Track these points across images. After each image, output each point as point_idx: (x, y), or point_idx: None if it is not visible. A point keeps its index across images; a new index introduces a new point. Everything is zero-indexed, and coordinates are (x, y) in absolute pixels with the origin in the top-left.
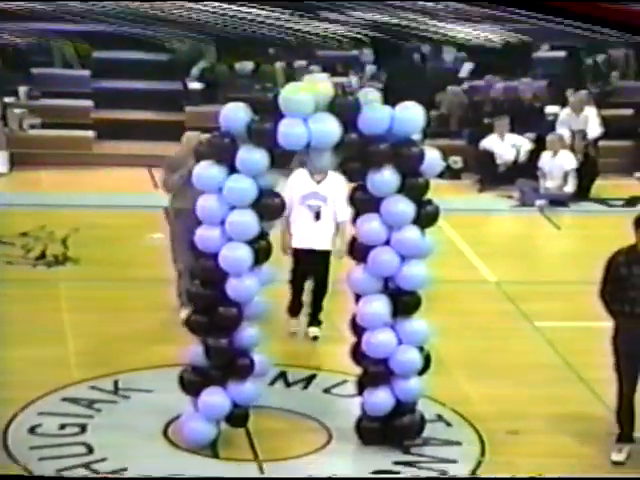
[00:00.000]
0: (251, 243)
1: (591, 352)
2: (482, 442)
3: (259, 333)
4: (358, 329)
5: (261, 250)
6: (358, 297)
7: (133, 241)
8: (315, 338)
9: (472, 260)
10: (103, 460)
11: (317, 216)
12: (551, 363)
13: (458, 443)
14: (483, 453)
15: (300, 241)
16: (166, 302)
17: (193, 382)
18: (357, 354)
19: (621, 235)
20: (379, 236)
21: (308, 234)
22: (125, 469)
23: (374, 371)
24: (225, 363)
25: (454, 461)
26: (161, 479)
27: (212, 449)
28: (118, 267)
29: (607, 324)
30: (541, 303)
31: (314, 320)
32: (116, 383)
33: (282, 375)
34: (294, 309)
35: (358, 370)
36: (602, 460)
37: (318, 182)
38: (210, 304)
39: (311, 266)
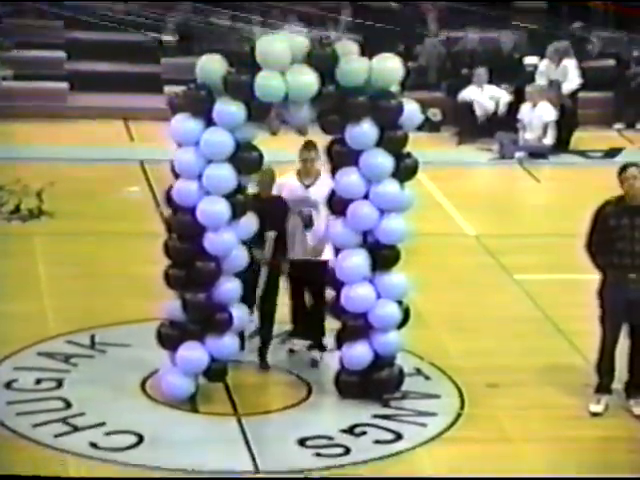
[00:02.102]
0: (228, 197)
1: (570, 304)
2: (461, 395)
3: (238, 287)
4: (337, 283)
5: (238, 204)
6: (337, 251)
7: (109, 194)
8: (314, 363)
9: (451, 213)
10: (81, 415)
11: (308, 224)
12: (530, 316)
13: (437, 396)
14: (462, 406)
15: (293, 252)
16: (143, 256)
17: (171, 337)
18: (336, 308)
19: (600, 187)
20: (358, 190)
21: (298, 244)
22: (103, 423)
23: (353, 325)
24: (203, 317)
25: (433, 414)
26: None
27: (191, 403)
28: (94, 221)
29: (586, 276)
30: (520, 256)
31: (315, 343)
32: (93, 338)
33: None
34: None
35: (337, 324)
36: (580, 411)
37: (307, 187)
38: (188, 258)
39: (306, 278)
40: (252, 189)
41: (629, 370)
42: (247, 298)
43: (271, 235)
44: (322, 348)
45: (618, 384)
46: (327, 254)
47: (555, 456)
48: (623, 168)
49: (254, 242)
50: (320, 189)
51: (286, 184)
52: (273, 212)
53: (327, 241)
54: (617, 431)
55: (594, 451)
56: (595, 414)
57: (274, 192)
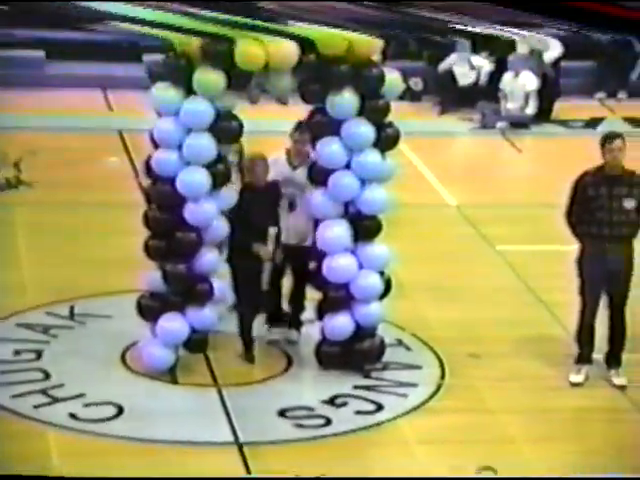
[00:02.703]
0: (209, 167)
1: (551, 275)
2: (442, 366)
3: (218, 258)
4: (319, 254)
5: (219, 174)
6: (318, 223)
7: (88, 164)
8: (291, 342)
9: (433, 184)
10: (60, 386)
11: (291, 206)
12: (511, 287)
13: (418, 367)
14: (443, 376)
15: (284, 236)
16: (123, 226)
17: (151, 308)
18: (317, 279)
19: (582, 157)
20: (339, 159)
21: (285, 227)
22: (83, 395)
23: (334, 296)
24: (184, 289)
25: (414, 385)
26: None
27: (171, 375)
28: (73, 191)
29: (567, 247)
30: (502, 227)
31: (295, 322)
32: (72, 309)
33: None
34: (271, 316)
35: (318, 295)
36: (561, 382)
37: (294, 168)
38: (168, 229)
39: (290, 264)
40: (244, 179)
41: (609, 340)
42: (253, 298)
43: (272, 231)
44: (299, 325)
45: (599, 354)
46: (310, 238)
47: (535, 426)
48: (607, 138)
49: (254, 237)
50: (306, 172)
51: (275, 163)
52: (270, 202)
53: (309, 225)
54: (597, 401)
55: (574, 421)
56: (575, 384)
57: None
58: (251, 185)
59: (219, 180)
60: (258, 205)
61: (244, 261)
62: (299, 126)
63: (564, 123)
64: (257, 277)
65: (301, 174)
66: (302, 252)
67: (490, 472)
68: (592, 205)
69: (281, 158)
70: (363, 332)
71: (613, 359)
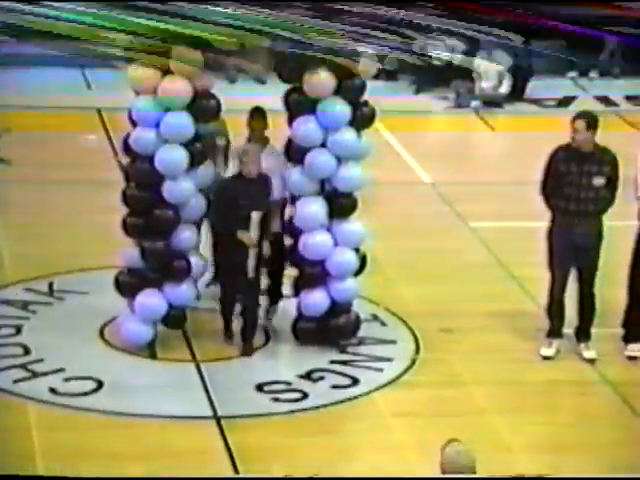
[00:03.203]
0: (187, 145)
1: (524, 251)
2: (416, 340)
3: (196, 235)
4: (295, 231)
5: (197, 152)
6: (294, 200)
7: (67, 142)
8: (266, 326)
9: (408, 162)
10: (40, 361)
11: None
12: (484, 262)
13: (393, 342)
14: (418, 351)
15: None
16: (101, 204)
17: (129, 284)
18: (294, 256)
19: (554, 135)
20: (315, 138)
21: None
22: (62, 369)
23: (310, 272)
24: (162, 265)
25: (389, 359)
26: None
27: (150, 350)
28: (52, 169)
29: (539, 224)
30: (476, 204)
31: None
32: (51, 285)
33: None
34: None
35: (294, 272)
36: (532, 355)
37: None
38: (146, 206)
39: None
40: (234, 169)
41: (578, 315)
42: (235, 284)
43: (256, 216)
44: (276, 298)
45: (569, 329)
46: (275, 227)
47: (507, 399)
48: (573, 118)
49: (238, 224)
50: (266, 160)
51: (269, 154)
52: (260, 192)
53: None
54: (567, 374)
55: (544, 394)
56: (546, 358)
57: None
58: (241, 174)
59: (197, 158)
60: (246, 194)
61: (228, 248)
62: (254, 114)
63: (537, 102)
64: (241, 263)
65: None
66: (280, 237)
67: (456, 443)
68: (562, 180)
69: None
70: (339, 308)
71: (583, 333)
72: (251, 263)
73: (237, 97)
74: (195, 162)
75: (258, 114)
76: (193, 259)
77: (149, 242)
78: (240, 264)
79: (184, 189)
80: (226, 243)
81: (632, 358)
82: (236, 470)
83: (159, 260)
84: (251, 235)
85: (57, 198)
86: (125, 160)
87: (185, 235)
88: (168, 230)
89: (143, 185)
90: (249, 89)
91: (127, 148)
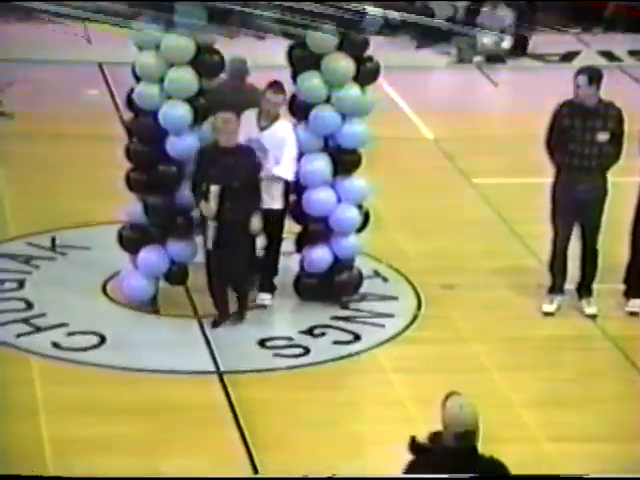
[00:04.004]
0: (190, 101)
1: (526, 207)
2: (418, 297)
3: None
4: (298, 187)
5: (201, 108)
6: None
7: (69, 97)
8: (264, 307)
9: (411, 117)
10: (43, 315)
11: None
12: (486, 218)
13: (394, 298)
14: (419, 307)
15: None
16: (104, 159)
17: (132, 239)
18: (297, 212)
19: (557, 90)
20: (320, 94)
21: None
22: (65, 324)
23: (313, 229)
24: (164, 221)
25: (390, 315)
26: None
27: (152, 306)
28: (55, 123)
29: (542, 180)
30: (478, 159)
31: (266, 285)
32: (53, 240)
33: None
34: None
35: (298, 228)
36: (533, 311)
37: (262, 129)
38: (150, 162)
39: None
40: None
41: (580, 271)
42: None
43: (215, 189)
44: (272, 289)
45: (571, 285)
46: (278, 202)
47: (508, 355)
48: (577, 73)
49: (202, 196)
50: (273, 135)
51: (246, 119)
52: (238, 164)
53: (277, 188)
54: (567, 330)
55: (545, 349)
56: (547, 314)
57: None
58: (217, 144)
59: (201, 114)
60: (221, 165)
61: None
62: (273, 87)
63: (540, 57)
64: (231, 238)
65: (267, 137)
66: (272, 215)
67: (457, 397)
68: (566, 136)
69: (249, 118)
70: (341, 264)
71: (584, 289)
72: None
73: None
74: (199, 118)
75: (278, 88)
76: (195, 215)
77: (152, 198)
78: (231, 238)
79: (188, 145)
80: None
81: (633, 314)
82: (239, 424)
83: (162, 216)
84: (212, 207)
85: (59, 153)
86: (128, 115)
87: (188, 191)
88: (171, 186)
89: (146, 140)
90: (249, 45)
91: (130, 103)
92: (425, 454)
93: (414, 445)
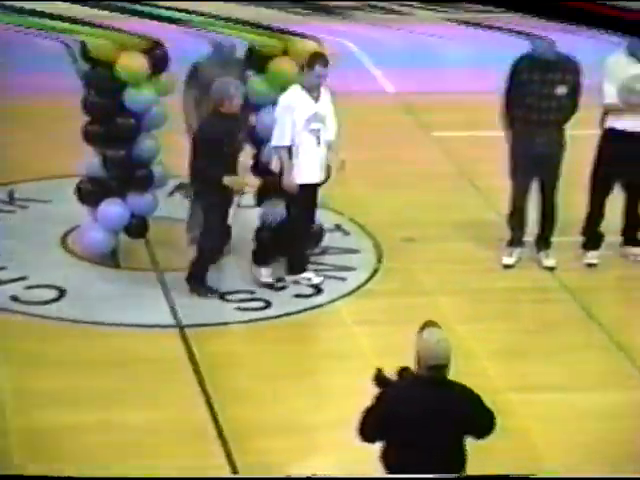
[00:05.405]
0: (148, 52)
1: (486, 161)
2: (379, 250)
3: (158, 145)
4: (257, 141)
5: (158, 59)
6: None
7: (28, 49)
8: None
9: (371, 70)
10: (1, 269)
11: (318, 141)
12: (446, 172)
13: (356, 251)
14: (380, 260)
15: (311, 175)
16: (60, 111)
17: (91, 193)
18: (256, 166)
19: (521, 44)
20: (277, 45)
21: (316, 164)
22: (25, 277)
23: (273, 182)
24: (124, 174)
25: (352, 268)
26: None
27: (112, 259)
28: (9, 75)
29: (502, 133)
30: (438, 113)
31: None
32: (11, 193)
33: (181, 186)
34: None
35: (257, 182)
36: (493, 264)
37: (316, 100)
38: (107, 114)
39: (311, 202)
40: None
41: (539, 224)
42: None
43: (244, 160)
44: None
45: (530, 237)
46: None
47: (468, 307)
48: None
49: (226, 169)
50: (325, 102)
51: (298, 100)
52: (240, 129)
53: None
54: (527, 282)
55: (505, 301)
56: (507, 266)
57: (282, 111)
58: (221, 112)
59: (159, 66)
60: (231, 134)
61: (213, 195)
62: (322, 60)
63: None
64: (226, 212)
65: (321, 106)
66: (319, 187)
67: (435, 329)
68: (524, 89)
69: (301, 95)
70: None
71: (543, 242)
72: (232, 210)
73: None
74: (157, 69)
75: (325, 61)
76: (156, 168)
77: (110, 151)
78: (225, 212)
79: (146, 97)
80: (210, 188)
81: (591, 265)
82: (200, 379)
83: (121, 169)
84: (241, 179)
85: (16, 106)
86: (85, 67)
87: (147, 144)
88: (130, 138)
89: (103, 92)
90: None
91: (87, 55)
92: (393, 386)
93: (380, 378)
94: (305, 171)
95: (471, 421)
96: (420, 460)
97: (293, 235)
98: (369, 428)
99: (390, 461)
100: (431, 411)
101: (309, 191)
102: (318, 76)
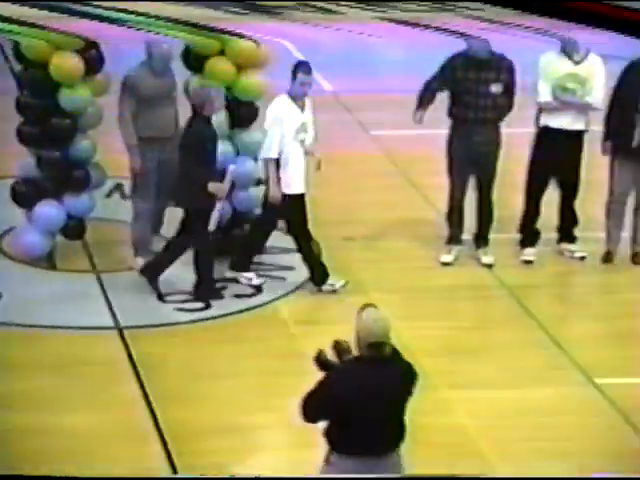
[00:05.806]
0: (82, 52)
1: (425, 159)
2: (318, 248)
3: (94, 145)
4: None
5: (93, 59)
6: None
7: None
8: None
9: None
10: None
11: (304, 150)
12: (385, 170)
13: (296, 250)
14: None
15: (300, 184)
16: None
17: (26, 195)
18: None
19: (449, 41)
20: (213, 44)
21: (303, 174)
22: None
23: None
24: (59, 175)
25: (291, 268)
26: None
27: (49, 261)
28: None
29: (440, 132)
30: (377, 112)
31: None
32: None
33: (118, 187)
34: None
35: None
36: (432, 262)
37: (302, 109)
38: (42, 114)
39: (304, 211)
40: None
41: (477, 221)
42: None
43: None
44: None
45: (468, 235)
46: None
47: (408, 304)
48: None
49: (211, 175)
50: (309, 112)
51: (286, 111)
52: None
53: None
54: (465, 279)
55: (444, 299)
56: (446, 264)
57: (271, 122)
58: (202, 115)
59: (93, 66)
60: (214, 137)
61: (198, 200)
62: (305, 67)
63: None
64: (208, 217)
65: (307, 115)
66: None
67: (372, 310)
68: (460, 87)
69: (288, 104)
70: (241, 218)
71: (481, 239)
72: (214, 217)
73: None
74: (91, 70)
75: (308, 69)
76: (92, 169)
77: (45, 151)
78: (207, 218)
79: (81, 97)
80: (194, 194)
81: (527, 262)
82: (140, 380)
83: (56, 170)
84: (223, 186)
85: None
86: (18, 67)
87: (83, 145)
88: (65, 139)
89: (38, 93)
90: None
91: (20, 55)
92: (335, 368)
93: (321, 360)
94: (294, 181)
95: (411, 393)
96: (365, 435)
97: (260, 237)
98: (313, 410)
99: (334, 437)
100: (374, 388)
101: (300, 200)
102: (302, 84)
